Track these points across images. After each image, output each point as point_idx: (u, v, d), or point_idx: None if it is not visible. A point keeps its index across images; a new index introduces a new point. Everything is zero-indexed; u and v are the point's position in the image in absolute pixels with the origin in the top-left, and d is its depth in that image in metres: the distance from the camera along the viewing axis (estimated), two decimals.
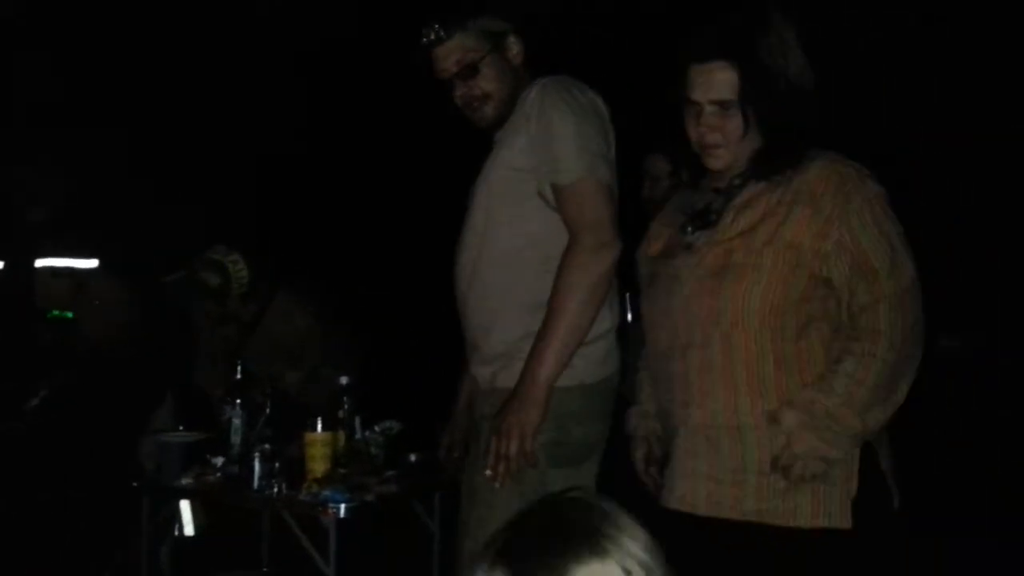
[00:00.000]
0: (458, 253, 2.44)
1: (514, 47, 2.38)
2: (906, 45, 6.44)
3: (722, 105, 2.03)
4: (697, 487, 2.00)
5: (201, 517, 3.45)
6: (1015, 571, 3.99)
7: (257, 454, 2.95)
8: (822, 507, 1.93)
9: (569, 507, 1.15)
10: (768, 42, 2.02)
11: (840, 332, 1.98)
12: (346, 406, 3.14)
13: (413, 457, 3.19)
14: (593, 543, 1.08)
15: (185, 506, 3.43)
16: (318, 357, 3.77)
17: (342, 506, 2.80)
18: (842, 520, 1.93)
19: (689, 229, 2.12)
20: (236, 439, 3.14)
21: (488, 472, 2.21)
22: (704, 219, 2.09)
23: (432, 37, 2.32)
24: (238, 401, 3.17)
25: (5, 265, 10.57)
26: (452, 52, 2.32)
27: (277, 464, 2.94)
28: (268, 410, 3.22)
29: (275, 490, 2.90)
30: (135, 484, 3.22)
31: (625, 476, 2.23)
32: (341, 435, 3.08)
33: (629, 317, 2.98)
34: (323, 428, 2.97)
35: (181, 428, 3.35)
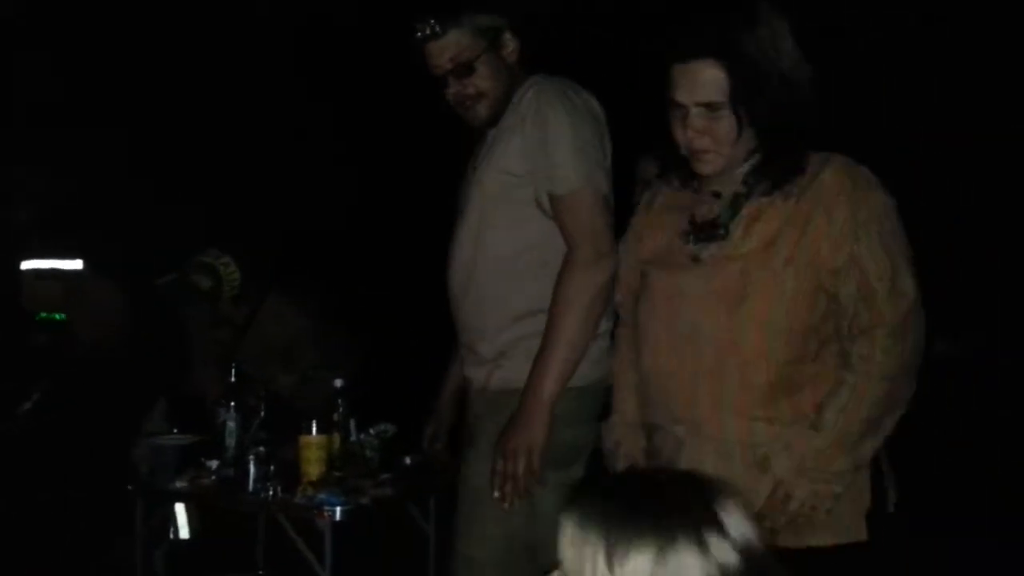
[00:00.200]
0: (452, 252, 2.42)
1: (509, 44, 2.35)
2: (906, 45, 6.41)
3: (709, 107, 1.86)
4: None
5: (196, 520, 3.44)
6: (1015, 571, 3.96)
7: (252, 457, 2.94)
8: (838, 525, 1.88)
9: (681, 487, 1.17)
10: (757, 34, 1.82)
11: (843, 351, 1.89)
12: (341, 408, 3.13)
13: (408, 460, 3.18)
14: (696, 535, 1.09)
15: (180, 509, 3.41)
16: (312, 359, 3.75)
17: (337, 509, 2.79)
18: (858, 533, 1.88)
19: (692, 239, 1.97)
20: (231, 442, 3.14)
21: (496, 494, 2.20)
22: (710, 232, 1.94)
23: (427, 32, 2.28)
24: (232, 404, 3.16)
25: None
26: (446, 49, 2.28)
27: (272, 467, 2.94)
28: (262, 413, 3.21)
29: (270, 493, 2.89)
30: (129, 487, 3.21)
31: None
32: (336, 438, 3.07)
33: None
34: (318, 431, 2.96)
35: (175, 431, 3.34)
